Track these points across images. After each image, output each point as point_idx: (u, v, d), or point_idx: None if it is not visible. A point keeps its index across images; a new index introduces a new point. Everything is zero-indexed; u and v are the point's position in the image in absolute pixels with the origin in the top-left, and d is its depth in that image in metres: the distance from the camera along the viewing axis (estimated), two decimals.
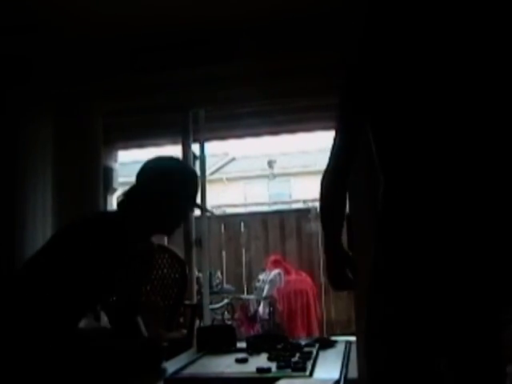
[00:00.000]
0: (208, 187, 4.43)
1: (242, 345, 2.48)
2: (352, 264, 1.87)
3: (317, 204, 9.05)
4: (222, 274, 7.43)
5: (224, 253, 7.78)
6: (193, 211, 2.21)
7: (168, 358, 2.30)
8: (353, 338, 3.00)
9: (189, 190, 2.22)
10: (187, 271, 3.48)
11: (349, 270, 1.85)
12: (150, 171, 2.19)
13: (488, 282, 1.68)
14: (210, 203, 7.07)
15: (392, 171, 1.74)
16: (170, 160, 2.30)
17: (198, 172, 4.37)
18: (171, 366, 2.15)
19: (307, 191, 13.97)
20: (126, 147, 4.94)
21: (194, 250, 4.15)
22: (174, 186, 2.16)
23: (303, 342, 2.48)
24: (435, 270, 1.67)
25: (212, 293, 6.13)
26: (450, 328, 1.72)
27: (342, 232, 1.90)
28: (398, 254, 1.72)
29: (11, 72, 3.74)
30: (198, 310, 3.89)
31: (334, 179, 1.88)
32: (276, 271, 6.94)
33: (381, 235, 1.78)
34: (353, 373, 2.11)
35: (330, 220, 1.89)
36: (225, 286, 7.29)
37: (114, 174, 4.69)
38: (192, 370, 2.11)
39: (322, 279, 7.45)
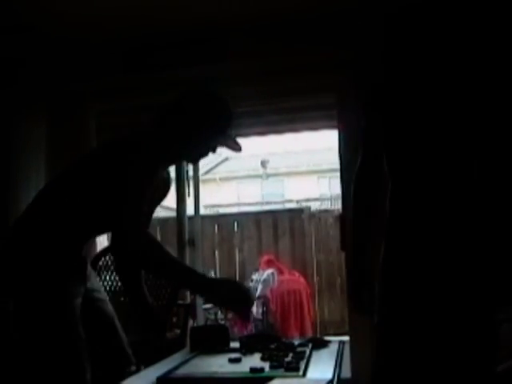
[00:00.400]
0: (201, 187, 4.42)
1: (235, 345, 2.48)
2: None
3: (309, 204, 9.04)
4: (215, 273, 7.42)
5: (217, 253, 7.77)
6: (223, 144, 2.16)
7: (161, 358, 2.31)
8: (346, 338, 3.01)
9: (226, 121, 2.19)
10: None
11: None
12: (194, 96, 2.19)
13: (484, 285, 1.79)
14: (203, 203, 7.07)
15: (400, 181, 1.91)
16: (212, 92, 2.26)
17: (191, 172, 4.37)
18: (164, 366, 2.15)
19: (300, 191, 14.00)
20: None
21: (188, 250, 4.15)
22: (213, 114, 2.14)
23: (296, 342, 2.48)
24: (437, 275, 1.80)
25: None
26: (447, 329, 1.81)
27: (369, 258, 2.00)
28: (402, 257, 1.87)
29: (3, 72, 3.72)
30: (191, 310, 3.88)
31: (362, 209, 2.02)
32: (269, 271, 6.94)
33: (388, 239, 1.92)
34: (346, 373, 2.11)
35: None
36: None
37: None
38: (185, 370, 2.11)
39: (315, 279, 7.46)
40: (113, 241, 1.97)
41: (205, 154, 2.22)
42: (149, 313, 2.26)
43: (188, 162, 2.27)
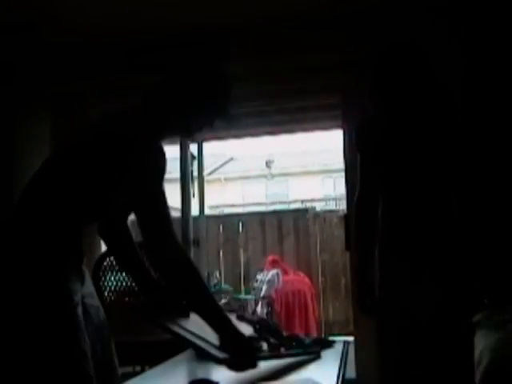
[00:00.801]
0: (206, 187, 4.43)
1: None
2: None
3: (314, 204, 9.01)
4: (219, 274, 7.41)
5: (222, 253, 7.76)
6: (218, 118, 2.12)
7: (163, 359, 2.29)
8: (351, 338, 3.00)
9: (226, 94, 2.12)
10: None
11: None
12: (194, 69, 2.13)
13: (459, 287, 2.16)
14: (208, 203, 7.07)
15: (389, 201, 2.33)
16: (211, 64, 2.22)
17: (196, 172, 4.37)
18: (168, 368, 2.14)
19: (305, 191, 13.99)
20: None
21: (192, 250, 4.15)
22: (212, 88, 2.08)
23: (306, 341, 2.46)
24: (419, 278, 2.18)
25: None
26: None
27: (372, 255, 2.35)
28: (392, 263, 2.26)
29: (4, 72, 3.73)
30: None
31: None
32: (274, 271, 6.93)
33: (380, 247, 2.32)
34: (351, 373, 2.11)
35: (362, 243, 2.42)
36: (223, 286, 7.28)
37: None
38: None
39: (320, 279, 7.45)
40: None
41: (200, 130, 2.17)
42: (159, 288, 2.19)
43: (183, 136, 2.26)
